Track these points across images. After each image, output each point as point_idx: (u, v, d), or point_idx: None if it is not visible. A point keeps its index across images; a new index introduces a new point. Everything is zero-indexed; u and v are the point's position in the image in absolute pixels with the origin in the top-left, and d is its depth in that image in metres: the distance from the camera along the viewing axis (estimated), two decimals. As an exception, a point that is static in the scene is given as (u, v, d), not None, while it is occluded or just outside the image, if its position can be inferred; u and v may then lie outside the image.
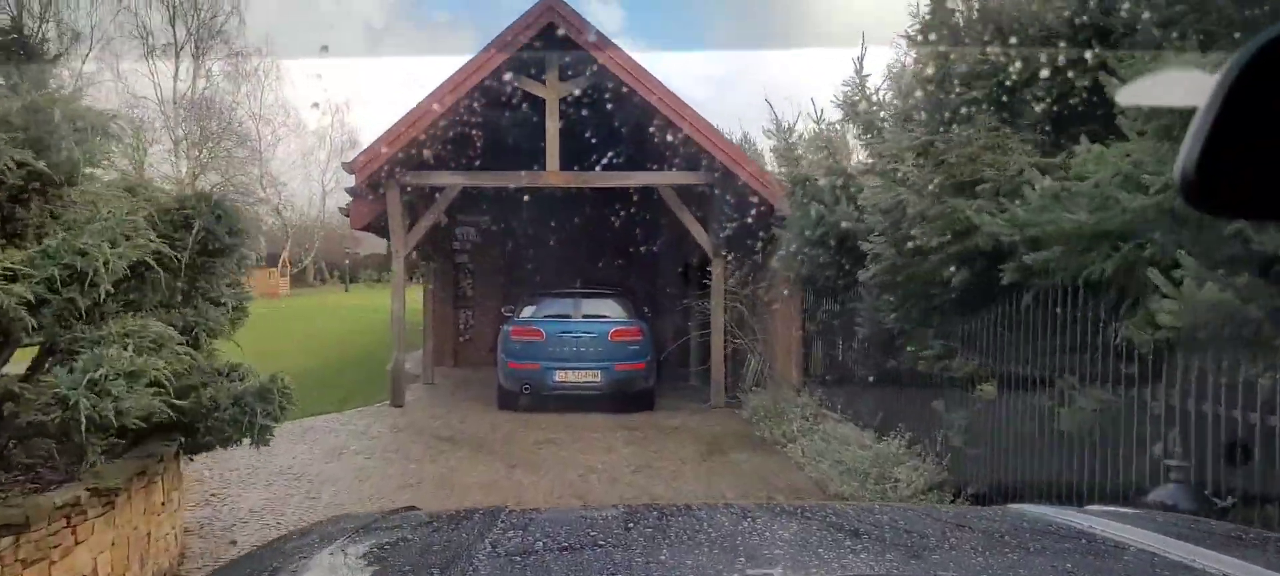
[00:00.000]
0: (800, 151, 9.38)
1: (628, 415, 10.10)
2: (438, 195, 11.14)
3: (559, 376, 10.06)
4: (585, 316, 10.44)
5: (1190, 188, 0.78)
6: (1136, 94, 4.10)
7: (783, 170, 10.22)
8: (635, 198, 11.82)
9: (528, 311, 10.62)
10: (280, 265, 44.19)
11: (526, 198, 12.49)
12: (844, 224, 8.23)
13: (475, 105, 10.60)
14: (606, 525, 1.61)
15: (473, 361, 15.07)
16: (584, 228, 13.96)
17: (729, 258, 11.15)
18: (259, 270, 42.93)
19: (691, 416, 10.31)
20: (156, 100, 38.84)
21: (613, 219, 12.36)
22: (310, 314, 29.24)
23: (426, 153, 10.88)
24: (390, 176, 10.54)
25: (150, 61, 37.80)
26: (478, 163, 11.34)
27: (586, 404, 10.15)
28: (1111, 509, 1.80)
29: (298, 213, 45.94)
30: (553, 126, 10.57)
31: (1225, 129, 0.75)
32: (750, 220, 10.29)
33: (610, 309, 10.68)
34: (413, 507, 1.89)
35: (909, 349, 7.11)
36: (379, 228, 11.86)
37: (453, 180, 11.00)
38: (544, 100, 10.55)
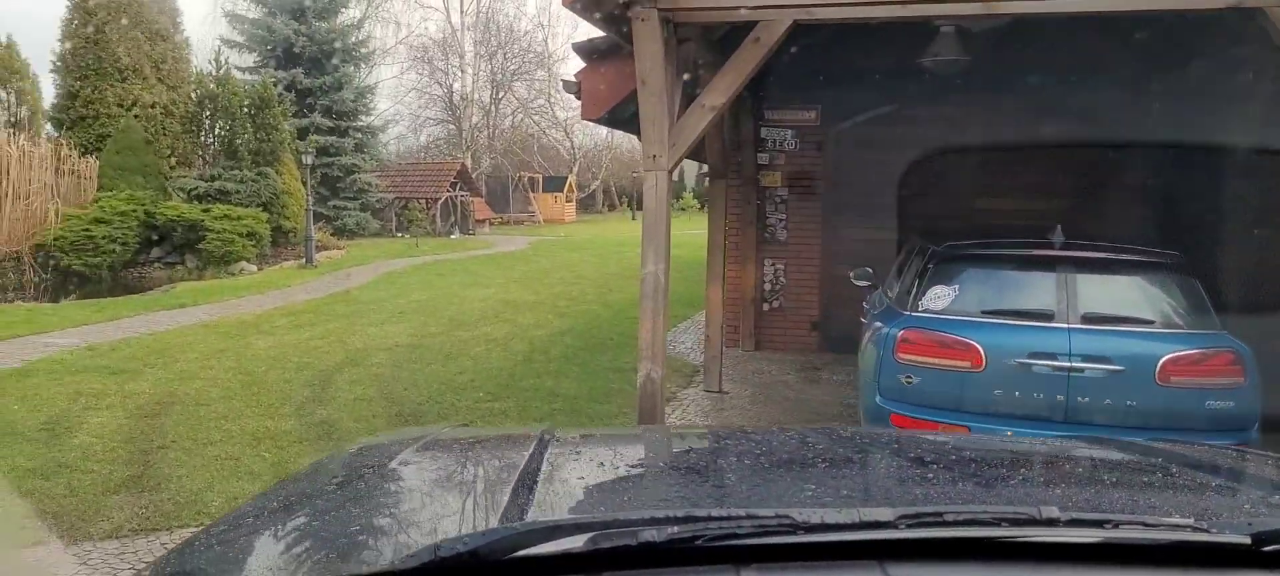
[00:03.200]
0: None
1: None
2: (744, 43, 5.34)
3: (1018, 462, 4.08)
4: (1088, 320, 4.24)
5: None
6: None
7: None
8: (1173, 37, 5.24)
9: (941, 294, 4.52)
10: (566, 190, 41.51)
11: (911, 45, 6.33)
12: None
13: None
14: (658, 448, 1.74)
15: (781, 343, 9.46)
16: (1045, 106, 7.21)
17: None
18: (547, 196, 40.62)
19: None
20: (443, 9, 37.01)
21: (1120, 91, 5.68)
22: (585, 246, 25.30)
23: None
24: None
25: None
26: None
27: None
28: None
29: (585, 133, 42.69)
30: None
31: None
32: None
33: (1152, 300, 4.39)
34: (465, 425, 2.37)
35: None
36: (625, 120, 6.41)
37: (766, 10, 5.10)
38: None
